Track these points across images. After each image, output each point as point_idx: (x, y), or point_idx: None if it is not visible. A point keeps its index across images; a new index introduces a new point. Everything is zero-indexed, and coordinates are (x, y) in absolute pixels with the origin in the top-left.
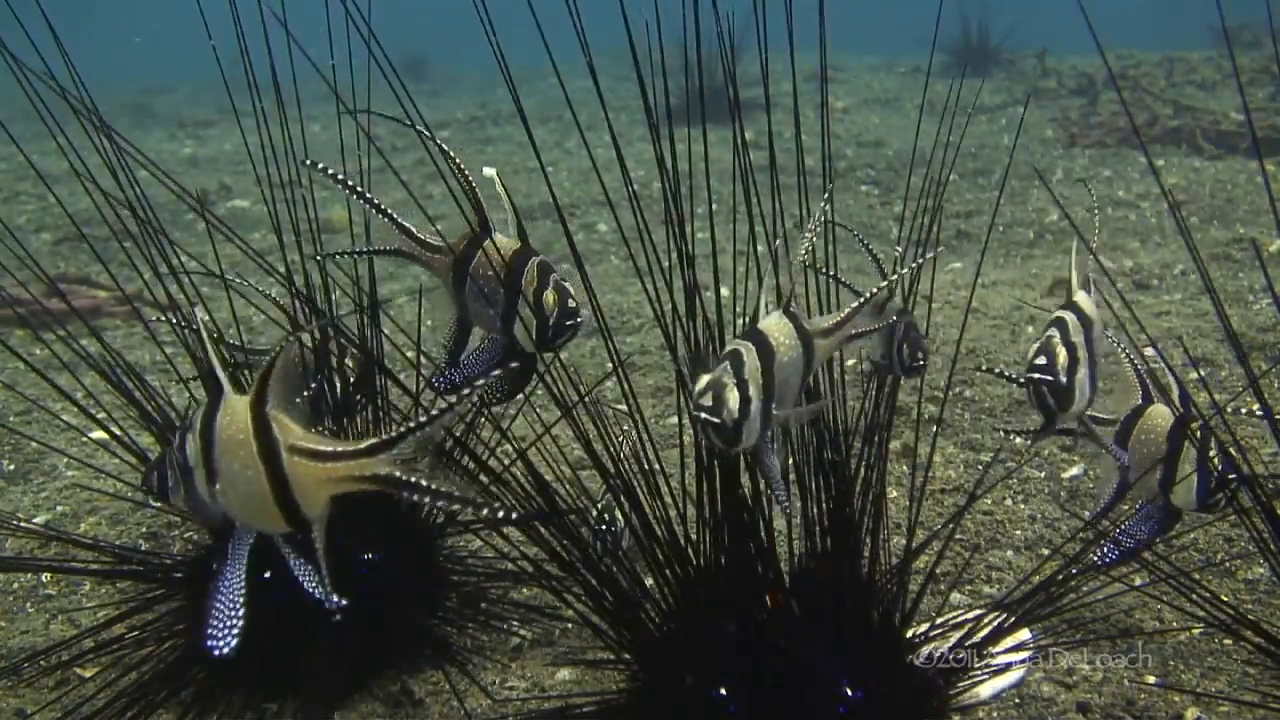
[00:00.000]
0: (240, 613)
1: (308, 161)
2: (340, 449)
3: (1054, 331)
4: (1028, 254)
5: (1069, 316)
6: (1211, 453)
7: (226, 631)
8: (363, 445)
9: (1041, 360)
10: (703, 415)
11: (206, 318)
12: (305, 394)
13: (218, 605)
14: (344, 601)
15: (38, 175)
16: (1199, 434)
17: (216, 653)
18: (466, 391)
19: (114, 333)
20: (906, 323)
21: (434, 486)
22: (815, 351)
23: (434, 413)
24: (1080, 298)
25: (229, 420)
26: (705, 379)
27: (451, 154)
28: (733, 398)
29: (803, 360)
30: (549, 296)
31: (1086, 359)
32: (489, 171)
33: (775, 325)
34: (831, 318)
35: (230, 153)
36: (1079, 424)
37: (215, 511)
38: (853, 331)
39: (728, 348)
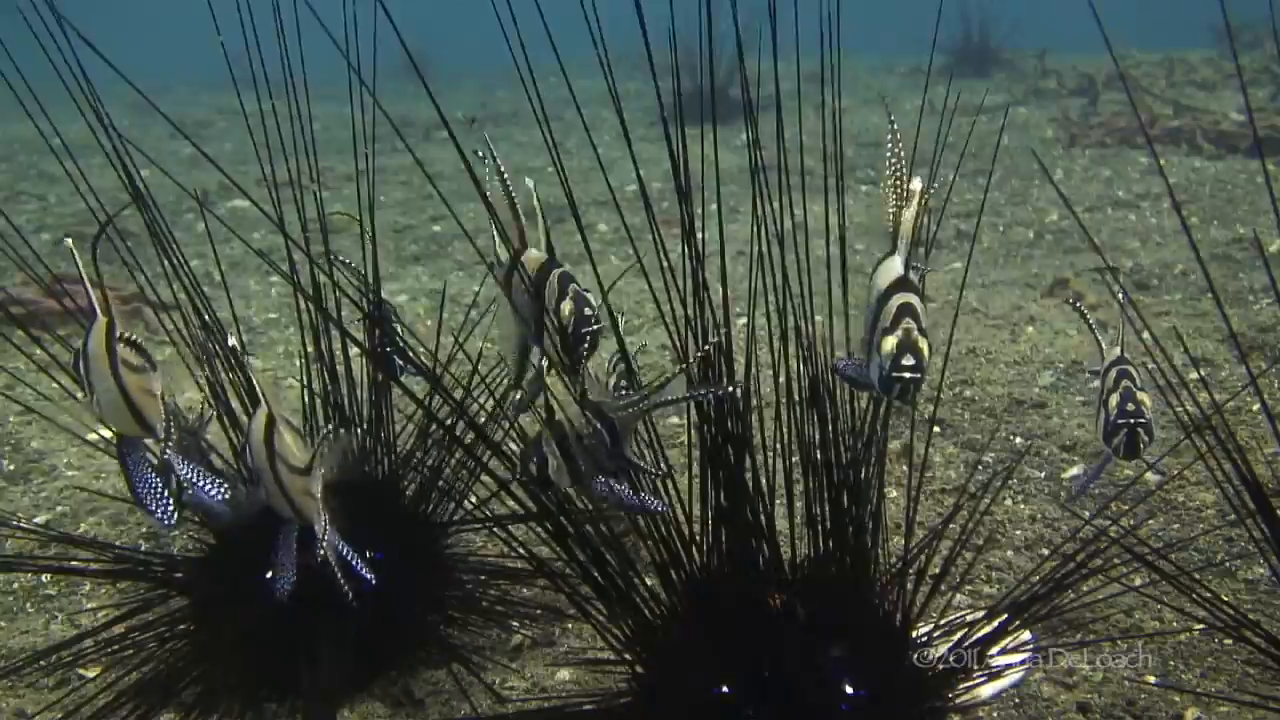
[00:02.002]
0: (161, 487)
1: (480, 154)
2: None
3: (910, 324)
4: (1028, 254)
5: (914, 301)
6: (1141, 395)
7: (162, 503)
8: None
9: (909, 360)
10: None
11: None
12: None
13: (141, 489)
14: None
15: (65, 167)
16: (1115, 375)
17: (166, 521)
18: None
19: None
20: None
21: None
22: None
23: None
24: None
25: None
26: None
27: (500, 164)
28: None
29: None
30: (565, 306)
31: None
32: (527, 183)
33: None
34: None
35: (230, 152)
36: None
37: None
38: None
39: None
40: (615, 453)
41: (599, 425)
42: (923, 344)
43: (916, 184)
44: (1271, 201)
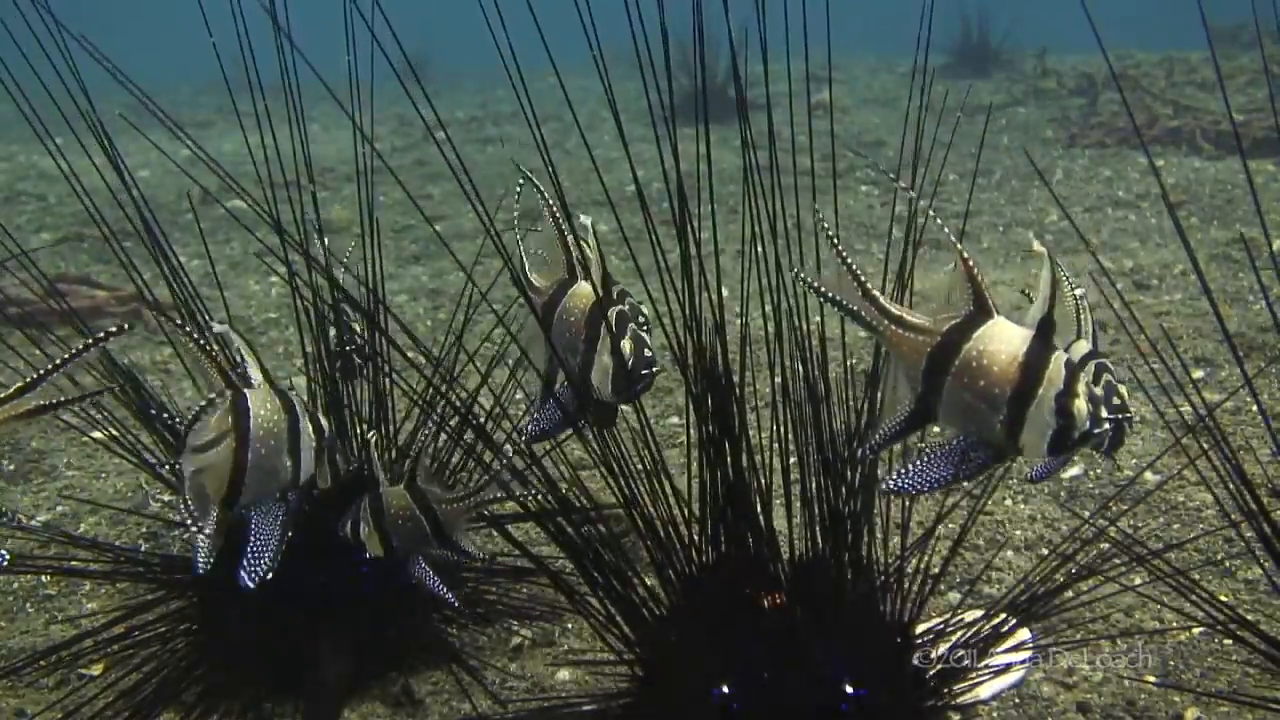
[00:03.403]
0: None
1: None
2: None
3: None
4: (1028, 254)
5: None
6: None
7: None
8: None
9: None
10: None
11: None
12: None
13: None
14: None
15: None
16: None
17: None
18: None
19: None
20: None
21: None
22: None
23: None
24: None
25: None
26: None
27: (550, 201)
28: None
29: None
30: (625, 345)
31: None
32: (585, 220)
33: None
34: None
35: (230, 153)
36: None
37: None
38: None
39: None
40: (438, 537)
41: (419, 512)
42: (1124, 390)
43: (1038, 246)
44: (1256, 206)
